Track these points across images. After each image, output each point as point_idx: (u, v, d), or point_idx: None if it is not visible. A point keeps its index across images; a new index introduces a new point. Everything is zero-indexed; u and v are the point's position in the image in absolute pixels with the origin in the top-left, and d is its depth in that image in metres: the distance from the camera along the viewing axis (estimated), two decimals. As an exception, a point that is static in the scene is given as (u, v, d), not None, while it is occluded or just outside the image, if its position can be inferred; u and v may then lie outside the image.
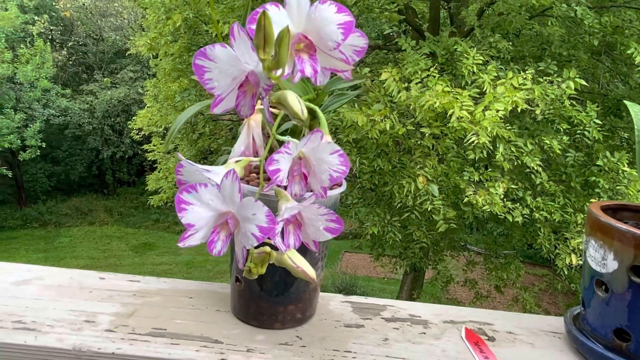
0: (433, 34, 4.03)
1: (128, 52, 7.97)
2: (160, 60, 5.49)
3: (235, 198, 0.32)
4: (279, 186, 0.36)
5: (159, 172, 6.18)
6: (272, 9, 0.31)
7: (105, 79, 12.85)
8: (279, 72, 0.29)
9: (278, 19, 0.31)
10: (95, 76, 13.25)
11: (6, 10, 10.95)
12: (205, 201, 0.32)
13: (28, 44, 11.10)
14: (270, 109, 0.34)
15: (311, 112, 0.42)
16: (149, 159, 6.77)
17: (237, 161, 0.35)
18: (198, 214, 0.32)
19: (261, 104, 0.33)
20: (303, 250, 0.42)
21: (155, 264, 9.34)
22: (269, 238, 0.33)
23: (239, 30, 0.29)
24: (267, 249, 0.36)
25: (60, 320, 0.51)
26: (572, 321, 0.52)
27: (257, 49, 0.28)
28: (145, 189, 6.61)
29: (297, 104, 0.31)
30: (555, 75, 3.40)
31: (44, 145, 10.73)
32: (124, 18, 13.39)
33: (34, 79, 10.77)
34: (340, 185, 0.51)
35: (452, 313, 0.59)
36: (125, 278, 0.61)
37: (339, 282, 7.48)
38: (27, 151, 10.50)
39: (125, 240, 10.72)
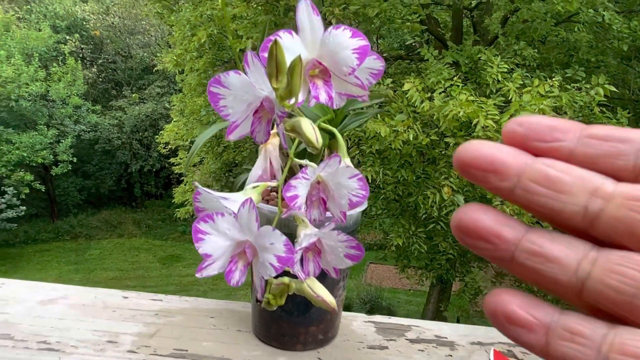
0: (456, 43, 4.00)
1: (155, 69, 8.18)
2: (186, 75, 5.61)
3: (253, 227, 0.31)
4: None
5: (185, 184, 6.29)
6: (285, 37, 0.30)
7: (133, 95, 13.20)
8: (292, 100, 0.29)
9: (291, 46, 0.31)
10: (124, 92, 13.63)
11: (40, 30, 11.41)
12: (222, 230, 0.31)
13: (60, 63, 11.52)
14: (286, 132, 0.33)
15: (330, 134, 0.41)
16: (175, 172, 6.91)
17: (254, 187, 0.35)
18: (215, 244, 0.32)
19: (277, 130, 0.33)
20: (323, 272, 0.41)
21: (182, 276, 9.45)
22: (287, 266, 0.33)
23: (253, 57, 0.29)
24: (286, 279, 0.35)
25: (84, 341, 0.51)
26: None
27: (270, 77, 0.28)
28: (172, 201, 6.74)
29: (312, 132, 0.31)
30: (583, 82, 3.32)
31: (75, 160, 11.07)
32: (151, 36, 13.76)
33: (66, 96, 11.15)
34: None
35: (479, 334, 0.57)
36: (148, 297, 0.62)
37: (364, 294, 7.40)
38: (59, 166, 10.84)
39: (153, 252, 10.90)
